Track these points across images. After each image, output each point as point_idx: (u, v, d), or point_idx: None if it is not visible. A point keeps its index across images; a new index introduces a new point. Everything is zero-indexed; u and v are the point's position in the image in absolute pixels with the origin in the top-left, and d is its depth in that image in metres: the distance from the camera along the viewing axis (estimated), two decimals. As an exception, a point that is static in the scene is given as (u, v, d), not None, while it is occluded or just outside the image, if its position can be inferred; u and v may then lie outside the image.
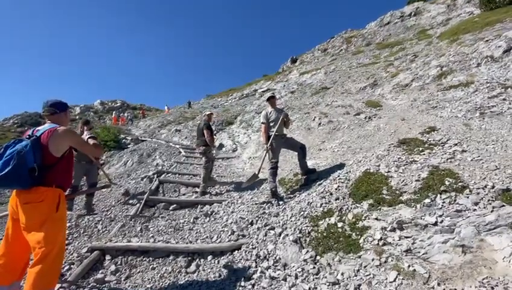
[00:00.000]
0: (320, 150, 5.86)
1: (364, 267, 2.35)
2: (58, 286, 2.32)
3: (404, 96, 7.22)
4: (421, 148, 3.68)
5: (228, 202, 4.53)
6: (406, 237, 2.40)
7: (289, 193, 4.34)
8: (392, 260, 2.31)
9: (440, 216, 2.37)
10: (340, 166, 4.31)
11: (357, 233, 2.71)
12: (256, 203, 4.16)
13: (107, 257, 2.86)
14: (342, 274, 2.36)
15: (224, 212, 4.13)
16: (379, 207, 2.86)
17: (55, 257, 1.88)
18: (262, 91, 17.17)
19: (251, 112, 11.62)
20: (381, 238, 2.51)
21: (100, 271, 2.66)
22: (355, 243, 2.62)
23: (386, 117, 6.23)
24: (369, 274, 2.26)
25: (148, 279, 2.58)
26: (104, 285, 2.49)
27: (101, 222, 3.83)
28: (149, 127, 16.98)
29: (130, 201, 4.80)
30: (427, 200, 2.59)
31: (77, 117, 25.00)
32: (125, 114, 26.89)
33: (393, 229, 2.53)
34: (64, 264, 2.71)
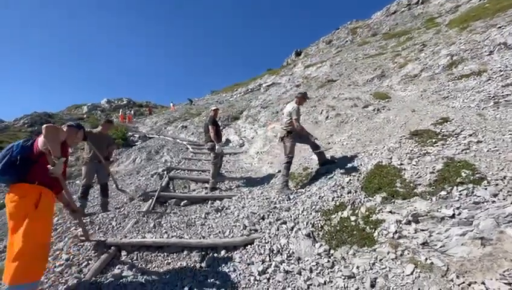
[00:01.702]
0: (329, 143, 5.81)
1: (380, 260, 2.34)
2: (75, 281, 2.37)
3: (414, 87, 7.06)
4: (434, 140, 3.61)
5: (238, 197, 4.55)
6: (422, 230, 2.37)
7: (299, 187, 4.34)
8: (408, 253, 2.30)
9: (457, 208, 2.33)
10: (351, 159, 4.27)
11: (371, 226, 2.70)
12: (266, 198, 4.17)
13: (123, 253, 2.91)
14: (358, 268, 2.36)
15: (235, 207, 4.15)
16: (393, 200, 2.83)
17: (32, 253, 1.91)
18: (267, 85, 17.05)
19: (257, 107, 11.56)
20: (396, 232, 2.49)
21: (117, 266, 2.70)
22: (369, 237, 2.60)
23: (396, 109, 6.12)
24: (385, 267, 2.26)
25: (164, 273, 2.62)
26: (121, 280, 2.53)
27: (115, 219, 3.88)
28: (156, 124, 17.10)
29: (142, 198, 4.85)
30: (443, 193, 2.55)
31: (85, 116, 25.31)
32: (131, 111, 27.14)
33: (408, 222, 2.50)
34: (82, 260, 2.77)
